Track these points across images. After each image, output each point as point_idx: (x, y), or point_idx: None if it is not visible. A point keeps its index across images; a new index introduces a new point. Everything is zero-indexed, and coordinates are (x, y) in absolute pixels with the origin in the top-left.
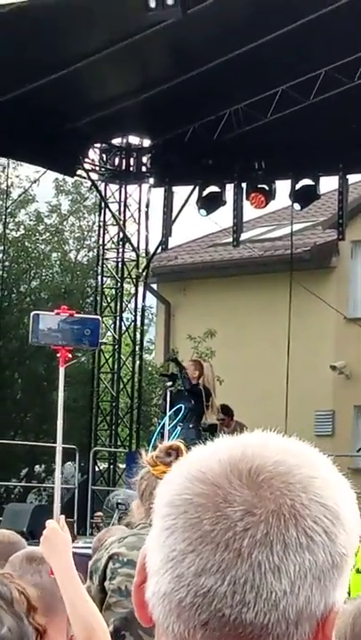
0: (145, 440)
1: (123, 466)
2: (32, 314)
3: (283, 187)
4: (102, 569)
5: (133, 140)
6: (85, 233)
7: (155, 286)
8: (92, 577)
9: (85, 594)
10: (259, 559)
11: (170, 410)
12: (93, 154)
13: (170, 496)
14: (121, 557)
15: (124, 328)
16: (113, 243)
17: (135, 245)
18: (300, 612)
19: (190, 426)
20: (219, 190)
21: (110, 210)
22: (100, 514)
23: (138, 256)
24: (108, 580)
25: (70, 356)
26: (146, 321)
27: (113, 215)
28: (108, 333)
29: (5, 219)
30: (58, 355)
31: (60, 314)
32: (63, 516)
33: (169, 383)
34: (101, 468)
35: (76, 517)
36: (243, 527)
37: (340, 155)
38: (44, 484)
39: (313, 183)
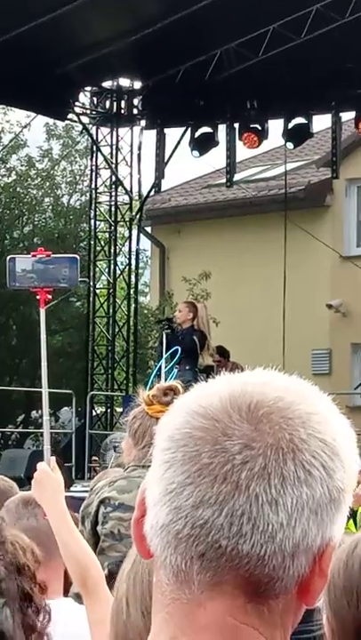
0: (142, 383)
1: (120, 409)
2: (8, 258)
3: (275, 126)
4: (94, 514)
5: (124, 82)
6: (77, 177)
7: (149, 229)
8: (83, 522)
9: (79, 534)
10: (256, 491)
11: (166, 352)
12: (84, 97)
13: (170, 430)
14: (112, 501)
15: (118, 272)
16: (105, 186)
17: (128, 188)
18: (296, 544)
19: (187, 367)
20: (211, 131)
21: (102, 153)
22: (96, 458)
23: (131, 199)
24: (101, 525)
25: (50, 297)
26: (140, 264)
27: (105, 159)
28: (103, 277)
29: None
30: (37, 297)
31: (37, 255)
32: (54, 458)
33: (165, 325)
34: (98, 412)
35: (73, 462)
36: (241, 460)
37: (333, 93)
38: (41, 430)
39: (306, 122)
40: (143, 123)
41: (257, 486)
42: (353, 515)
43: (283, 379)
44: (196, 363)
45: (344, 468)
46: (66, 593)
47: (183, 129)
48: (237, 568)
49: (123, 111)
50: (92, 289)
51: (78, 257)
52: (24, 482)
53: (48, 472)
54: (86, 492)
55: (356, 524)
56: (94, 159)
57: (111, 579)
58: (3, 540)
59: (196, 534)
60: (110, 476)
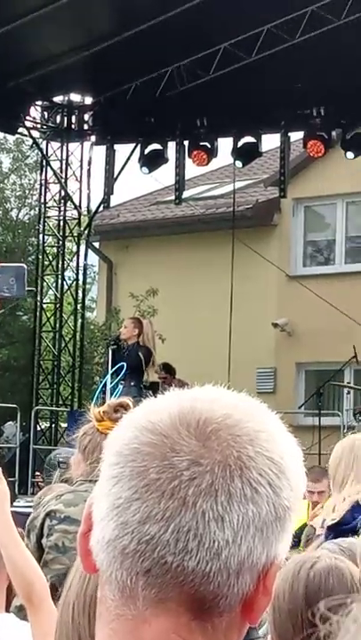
0: (87, 399)
1: (64, 425)
2: None
3: (225, 144)
4: (39, 526)
5: (75, 97)
6: (27, 191)
7: (97, 244)
8: (29, 535)
9: (24, 548)
10: (203, 508)
11: (112, 368)
12: (35, 111)
13: (118, 445)
14: (58, 514)
15: (65, 287)
16: (55, 201)
17: (77, 203)
18: (241, 562)
19: (132, 383)
20: (161, 148)
21: (52, 168)
22: (39, 473)
23: (80, 214)
24: (45, 537)
25: None
26: (88, 279)
27: (55, 173)
28: (50, 292)
29: None
30: None
31: None
32: (0, 469)
33: (112, 342)
34: (43, 427)
35: (17, 476)
36: (188, 476)
37: (282, 112)
38: None
39: (255, 141)
40: (93, 138)
41: (204, 503)
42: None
43: (232, 396)
44: (141, 379)
45: (291, 487)
46: (7, 607)
47: (133, 145)
48: (183, 585)
49: (73, 126)
50: (38, 303)
51: (25, 267)
52: None
53: None
54: (30, 506)
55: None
56: (44, 173)
57: (54, 591)
58: None
59: (142, 550)
60: (55, 491)
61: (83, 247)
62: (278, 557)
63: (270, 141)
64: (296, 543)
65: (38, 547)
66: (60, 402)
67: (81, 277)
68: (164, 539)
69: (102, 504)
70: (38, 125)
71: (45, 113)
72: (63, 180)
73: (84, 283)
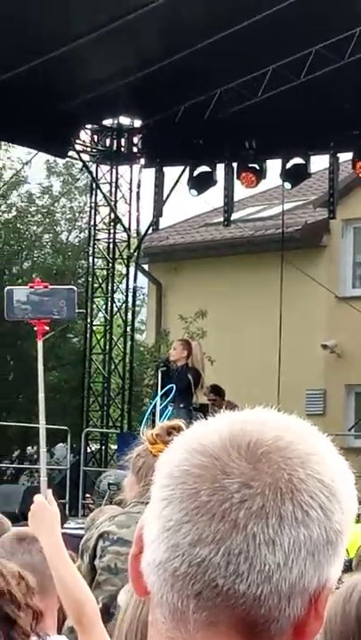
0: (136, 421)
1: (114, 447)
2: (6, 289)
3: (273, 166)
4: (92, 547)
5: (125, 120)
6: (77, 214)
7: (146, 267)
8: (82, 556)
9: (75, 569)
10: (254, 531)
11: (161, 390)
12: (85, 135)
13: (169, 467)
14: (111, 535)
15: (115, 309)
16: (104, 223)
17: (126, 226)
18: (292, 585)
19: (181, 405)
20: (210, 170)
21: (102, 191)
22: (89, 495)
23: (129, 237)
24: (98, 559)
25: (47, 328)
26: (137, 301)
27: (104, 196)
28: (100, 314)
29: None
30: (35, 328)
31: (34, 287)
32: (50, 491)
33: (161, 364)
34: (93, 449)
35: (67, 498)
36: (239, 499)
37: (331, 134)
38: (36, 466)
39: (304, 162)
40: (143, 161)
41: (255, 526)
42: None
43: (283, 418)
44: (190, 401)
45: (342, 510)
46: (60, 629)
47: (182, 167)
48: (233, 608)
49: (123, 149)
50: (88, 326)
51: (76, 289)
52: (18, 517)
53: (45, 504)
54: (80, 528)
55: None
56: (94, 196)
57: (106, 612)
58: None
59: (192, 573)
60: (106, 513)
61: (132, 269)
62: (330, 581)
63: (319, 162)
64: (348, 567)
65: (91, 568)
66: (110, 424)
67: (130, 299)
68: (214, 561)
69: (153, 526)
70: (88, 149)
71: (95, 136)
72: (113, 203)
73: (134, 305)
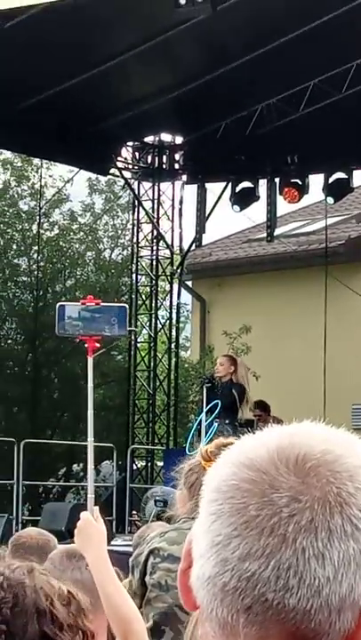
0: (182, 437)
1: (160, 463)
2: (58, 305)
3: (316, 181)
4: (143, 563)
5: (166, 137)
6: (119, 231)
7: (189, 283)
8: (133, 571)
9: (121, 586)
10: (303, 545)
11: (206, 406)
12: (126, 152)
13: (217, 482)
14: (161, 552)
15: (159, 325)
16: (147, 240)
17: (169, 243)
18: (343, 599)
19: (226, 421)
20: (252, 186)
21: (144, 208)
22: (136, 512)
23: (172, 253)
24: (149, 575)
25: (98, 345)
26: (181, 318)
27: (146, 213)
28: (144, 331)
29: (40, 219)
30: (86, 345)
31: (86, 303)
32: (97, 508)
33: (206, 380)
34: (139, 465)
35: (114, 515)
36: (288, 513)
37: None
38: (82, 483)
39: (346, 176)
40: (184, 177)
41: (304, 540)
42: None
43: (330, 431)
44: (235, 417)
45: None
46: None
47: (224, 184)
48: (283, 622)
49: (164, 166)
50: (133, 342)
51: (127, 306)
52: (65, 535)
53: (91, 521)
54: (127, 545)
55: None
56: (136, 213)
57: (157, 629)
58: (11, 584)
59: (242, 587)
60: (153, 529)
61: (175, 286)
62: None
63: None
64: None
65: (142, 583)
66: (156, 440)
67: (174, 316)
68: (264, 576)
69: (202, 541)
70: (130, 166)
71: (136, 153)
72: (155, 220)
73: (178, 321)
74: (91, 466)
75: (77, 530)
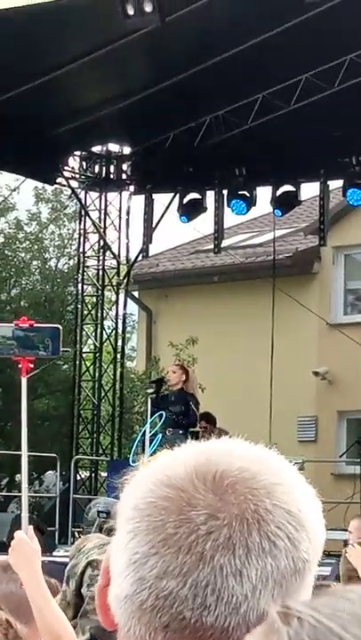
0: (127, 448)
1: (104, 474)
2: None
3: (264, 193)
4: (80, 574)
5: (113, 147)
6: (66, 241)
7: (136, 294)
8: (68, 581)
9: (54, 603)
10: (221, 562)
11: (150, 417)
12: (73, 162)
13: (134, 500)
14: (100, 565)
15: (105, 336)
16: (93, 250)
17: (116, 253)
18: (260, 616)
19: (180, 432)
20: (199, 197)
21: (90, 218)
22: (78, 524)
23: (119, 264)
24: (86, 587)
25: (32, 365)
26: (127, 328)
27: (93, 223)
28: (90, 341)
29: None
30: (19, 365)
31: (19, 324)
32: (32, 527)
33: (150, 390)
34: (83, 476)
35: (57, 526)
36: (206, 531)
37: (321, 161)
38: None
39: (294, 189)
40: (132, 188)
41: (222, 557)
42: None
43: (248, 448)
44: (188, 427)
45: (309, 539)
46: None
47: (172, 194)
48: (201, 639)
49: (112, 176)
50: (78, 353)
51: (60, 327)
52: (6, 545)
53: (25, 540)
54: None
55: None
56: (83, 223)
57: None
58: None
59: (160, 605)
60: (91, 541)
61: (122, 296)
62: None
63: (309, 190)
64: None
65: (77, 594)
66: (100, 451)
67: (120, 326)
68: (181, 594)
69: (119, 559)
70: (77, 175)
71: (84, 163)
72: (102, 230)
73: (124, 332)
74: (25, 485)
75: (12, 548)
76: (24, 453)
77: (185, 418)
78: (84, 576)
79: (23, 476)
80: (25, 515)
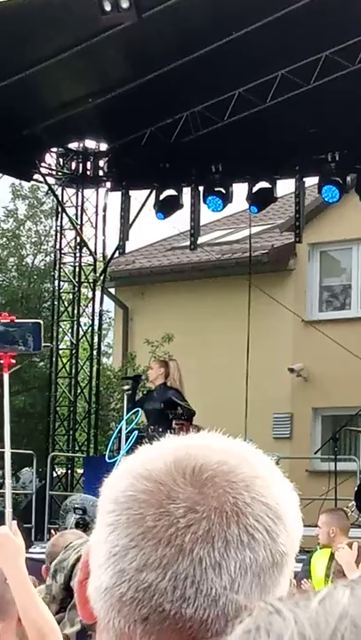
0: (103, 445)
1: (80, 471)
2: None
3: (240, 190)
4: (69, 568)
5: (90, 144)
6: (42, 237)
7: (112, 290)
8: (55, 576)
9: (39, 599)
10: (200, 555)
11: (127, 414)
12: (50, 158)
13: (114, 493)
14: None
15: (81, 333)
16: (70, 247)
17: (92, 250)
18: (239, 608)
19: (160, 429)
20: (176, 193)
21: (67, 214)
22: (55, 520)
23: (95, 260)
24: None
25: (14, 361)
26: (104, 325)
27: (70, 219)
28: (66, 338)
29: None
30: (1, 361)
31: (0, 320)
32: (15, 522)
33: (126, 387)
34: (59, 473)
35: (33, 523)
36: (185, 523)
37: (297, 158)
38: (4, 490)
39: (270, 186)
40: (108, 184)
41: (201, 550)
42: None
43: (227, 442)
44: (168, 423)
45: (287, 532)
46: None
47: (148, 191)
48: (181, 632)
49: (88, 172)
50: (54, 349)
51: (42, 322)
52: None
53: (9, 536)
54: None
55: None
56: (59, 220)
57: (84, 634)
58: None
59: (139, 598)
60: (68, 537)
61: (98, 293)
62: None
63: (285, 187)
64: None
65: (65, 588)
66: (76, 448)
67: (97, 323)
68: (161, 586)
69: (99, 552)
70: (53, 172)
71: (60, 159)
72: (79, 227)
73: (100, 328)
74: (8, 480)
75: None
76: (7, 450)
77: (172, 412)
78: (74, 569)
79: (7, 472)
80: (9, 510)
